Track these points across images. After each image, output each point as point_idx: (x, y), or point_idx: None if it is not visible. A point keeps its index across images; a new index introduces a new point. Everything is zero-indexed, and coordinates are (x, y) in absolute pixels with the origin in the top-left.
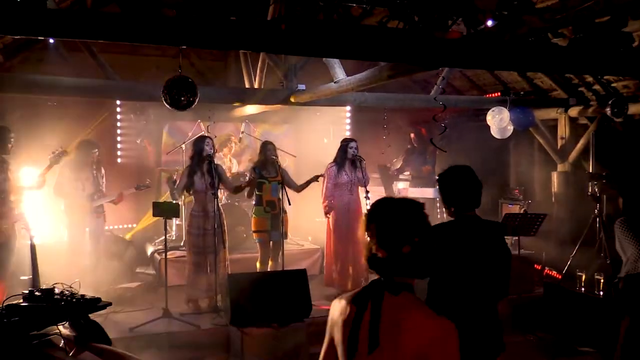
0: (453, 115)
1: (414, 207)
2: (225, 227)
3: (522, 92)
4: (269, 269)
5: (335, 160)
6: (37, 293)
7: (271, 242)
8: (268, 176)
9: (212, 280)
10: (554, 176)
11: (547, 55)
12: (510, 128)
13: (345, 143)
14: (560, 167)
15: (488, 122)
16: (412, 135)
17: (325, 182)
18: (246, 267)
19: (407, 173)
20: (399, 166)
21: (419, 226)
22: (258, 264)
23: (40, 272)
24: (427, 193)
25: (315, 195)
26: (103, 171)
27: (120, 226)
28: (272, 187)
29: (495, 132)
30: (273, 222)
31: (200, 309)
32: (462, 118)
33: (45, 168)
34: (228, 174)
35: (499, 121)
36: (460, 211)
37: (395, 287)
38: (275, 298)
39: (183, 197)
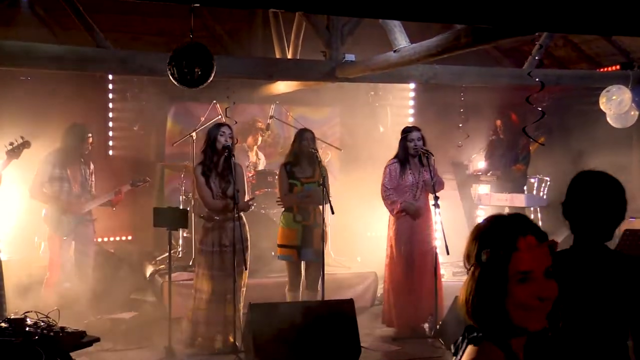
0: (554, 96)
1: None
2: (249, 243)
3: None
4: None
5: (397, 156)
6: (3, 324)
7: (303, 263)
8: (301, 176)
9: (229, 313)
10: None
11: None
12: (634, 114)
13: (403, 135)
14: None
15: (602, 106)
16: (498, 122)
17: (382, 180)
18: (275, 295)
19: (490, 173)
20: (483, 165)
21: None
22: (287, 292)
23: (8, 298)
24: (517, 200)
25: (365, 202)
26: (92, 167)
27: (111, 239)
28: (305, 191)
29: (612, 119)
30: (304, 236)
31: (214, 349)
32: (567, 100)
33: (2, 164)
34: (252, 173)
35: (617, 104)
36: (584, 237)
37: None
38: (312, 337)
39: (192, 202)
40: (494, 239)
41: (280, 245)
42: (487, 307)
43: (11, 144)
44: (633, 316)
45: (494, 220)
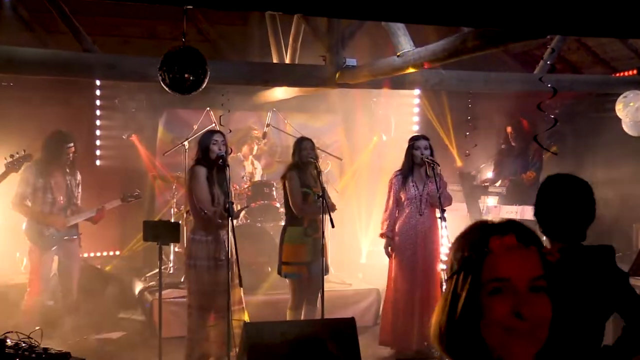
0: (567, 102)
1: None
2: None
3: None
4: (302, 317)
5: (402, 168)
6: None
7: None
8: (310, 184)
9: (224, 332)
10: None
11: None
12: None
13: (410, 143)
14: None
15: (618, 113)
16: (509, 129)
17: (387, 195)
18: (272, 313)
19: (498, 184)
20: (491, 175)
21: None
22: (289, 311)
23: None
24: (527, 212)
25: (367, 215)
26: (79, 177)
27: (98, 254)
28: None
29: (628, 127)
30: (314, 250)
31: None
32: (581, 107)
33: None
34: (247, 184)
35: (634, 111)
36: (566, 243)
37: None
38: (310, 358)
39: (185, 215)
40: (469, 242)
41: (286, 263)
42: (460, 332)
43: (12, 156)
44: (619, 302)
45: (475, 224)
